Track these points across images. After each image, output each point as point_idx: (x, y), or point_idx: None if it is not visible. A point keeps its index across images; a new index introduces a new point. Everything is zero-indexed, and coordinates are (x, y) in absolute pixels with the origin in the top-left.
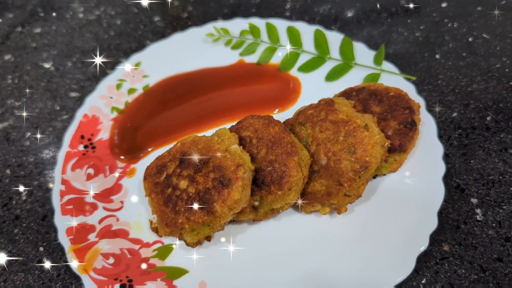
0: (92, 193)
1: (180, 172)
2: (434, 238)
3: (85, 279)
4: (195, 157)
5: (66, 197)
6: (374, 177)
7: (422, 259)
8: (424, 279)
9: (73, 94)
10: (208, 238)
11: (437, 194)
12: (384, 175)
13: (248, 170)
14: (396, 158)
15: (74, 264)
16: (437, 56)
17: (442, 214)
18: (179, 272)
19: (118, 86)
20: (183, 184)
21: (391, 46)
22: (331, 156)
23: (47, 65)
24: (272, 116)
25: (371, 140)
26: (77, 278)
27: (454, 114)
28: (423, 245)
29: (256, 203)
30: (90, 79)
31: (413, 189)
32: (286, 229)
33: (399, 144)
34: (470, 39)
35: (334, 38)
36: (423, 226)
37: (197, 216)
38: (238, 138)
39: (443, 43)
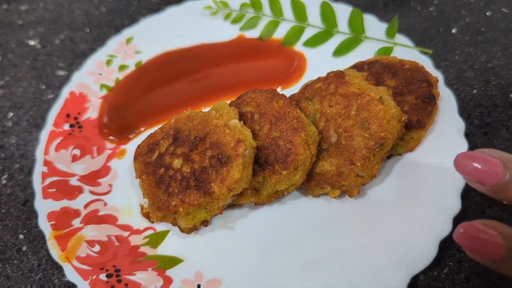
0: (77, 175)
1: (173, 150)
2: (457, 224)
3: (67, 268)
4: (191, 134)
5: (49, 180)
6: (389, 157)
7: (444, 246)
8: (446, 269)
9: (60, 73)
10: (205, 223)
11: (459, 174)
12: (400, 154)
13: (249, 147)
14: (414, 136)
15: (55, 252)
16: (453, 31)
17: (464, 198)
18: (172, 261)
19: (108, 62)
20: (177, 163)
21: (404, 21)
22: (342, 133)
23: (32, 43)
24: (275, 90)
25: (387, 114)
26: (60, 268)
27: (474, 91)
28: (446, 230)
29: (259, 185)
30: (79, 57)
31: (433, 170)
32: (291, 214)
33: (416, 120)
34: (488, 14)
35: (342, 11)
36: (445, 209)
37: (193, 197)
38: (238, 113)
39: (459, 17)
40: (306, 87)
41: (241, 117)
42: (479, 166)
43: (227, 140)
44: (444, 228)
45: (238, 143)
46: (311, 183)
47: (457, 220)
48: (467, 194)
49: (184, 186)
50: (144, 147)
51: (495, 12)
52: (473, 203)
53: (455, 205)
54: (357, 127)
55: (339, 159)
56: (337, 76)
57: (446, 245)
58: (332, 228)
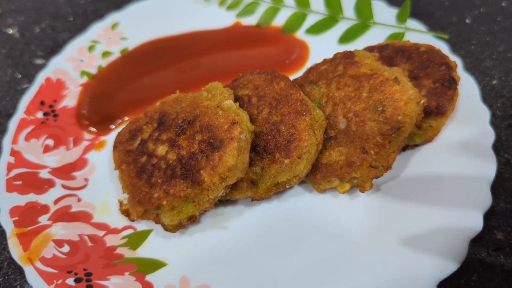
0: (49, 167)
1: (158, 136)
2: (488, 221)
3: (28, 270)
4: (178, 117)
5: (15, 171)
6: (404, 149)
7: (471, 250)
8: (475, 275)
9: (39, 61)
10: (193, 219)
11: (488, 165)
12: (417, 145)
13: (246, 130)
14: (432, 124)
15: (15, 252)
16: (467, 21)
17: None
18: (154, 264)
19: (91, 48)
20: (161, 150)
21: (413, 11)
22: (352, 118)
23: (11, 31)
24: (276, 71)
25: (404, 95)
26: (23, 273)
27: (494, 82)
28: (476, 227)
29: (256, 176)
30: (60, 45)
31: (456, 161)
32: (293, 212)
33: (436, 106)
34: (503, 4)
35: None
36: (474, 204)
37: (178, 188)
38: (233, 94)
39: (472, 7)
40: (310, 70)
41: (237, 101)
42: None
43: (220, 122)
44: (473, 225)
45: (233, 125)
46: (316, 176)
47: (488, 216)
48: (492, 192)
49: (169, 176)
50: (125, 134)
51: (511, 2)
52: (501, 201)
53: (486, 200)
54: (370, 111)
55: (349, 148)
56: (346, 57)
57: (474, 248)
58: (341, 228)
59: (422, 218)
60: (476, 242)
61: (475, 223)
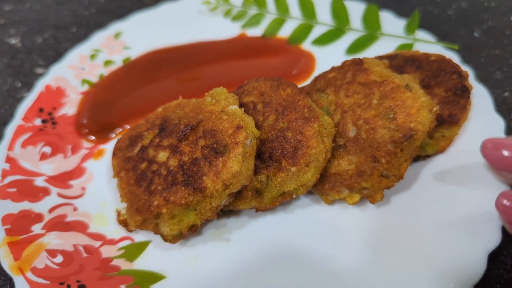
0: (45, 175)
1: (159, 142)
2: (507, 235)
3: (18, 281)
4: (181, 122)
5: (9, 178)
6: (415, 159)
7: (489, 265)
8: None
9: (40, 71)
10: (194, 229)
11: None
12: (429, 156)
13: (251, 136)
14: (445, 133)
15: (6, 261)
16: (476, 35)
17: None
18: (152, 277)
19: (93, 57)
20: (162, 156)
21: (420, 24)
22: (362, 125)
23: (13, 41)
24: (282, 78)
25: (416, 102)
26: (14, 284)
27: (506, 94)
28: (494, 240)
29: (261, 186)
30: (62, 55)
31: (470, 173)
32: (300, 224)
33: (448, 114)
34: None
35: (355, 8)
36: (491, 216)
37: (179, 195)
38: (238, 100)
39: (480, 21)
40: (317, 78)
41: (242, 108)
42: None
43: (224, 127)
44: (491, 238)
45: (237, 129)
46: (324, 186)
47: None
48: None
49: (170, 182)
50: (125, 140)
51: None
52: None
53: None
54: (381, 118)
55: (359, 156)
56: (355, 64)
57: (490, 263)
58: (350, 242)
59: (436, 231)
60: (494, 256)
61: (493, 236)
